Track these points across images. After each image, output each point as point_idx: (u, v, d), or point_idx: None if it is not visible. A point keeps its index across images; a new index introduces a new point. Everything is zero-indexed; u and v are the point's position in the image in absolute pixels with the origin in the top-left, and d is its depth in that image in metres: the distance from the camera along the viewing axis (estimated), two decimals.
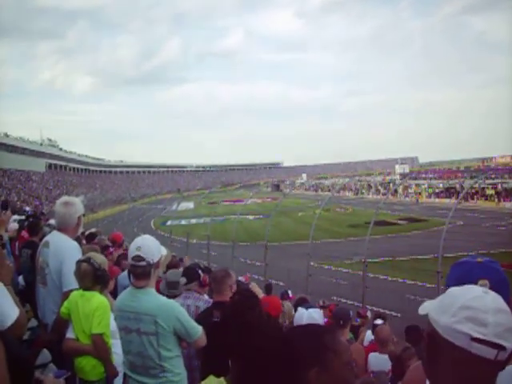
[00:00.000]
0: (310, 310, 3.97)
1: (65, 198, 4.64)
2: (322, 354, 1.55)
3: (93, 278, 3.89)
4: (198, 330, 3.63)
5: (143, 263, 3.57)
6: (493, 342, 1.33)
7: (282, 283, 15.92)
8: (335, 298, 15.00)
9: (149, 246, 3.66)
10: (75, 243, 4.41)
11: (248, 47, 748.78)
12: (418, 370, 1.93)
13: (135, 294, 3.66)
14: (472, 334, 1.34)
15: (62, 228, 4.46)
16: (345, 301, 14.63)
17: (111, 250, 7.63)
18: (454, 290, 1.51)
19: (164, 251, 3.85)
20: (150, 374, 3.54)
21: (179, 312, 3.61)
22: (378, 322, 7.39)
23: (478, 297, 1.42)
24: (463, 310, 1.39)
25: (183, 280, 4.75)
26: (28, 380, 1.94)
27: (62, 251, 4.28)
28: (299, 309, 4.02)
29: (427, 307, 1.54)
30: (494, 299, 1.42)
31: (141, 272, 3.60)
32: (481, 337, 1.33)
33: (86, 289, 3.91)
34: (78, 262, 3.94)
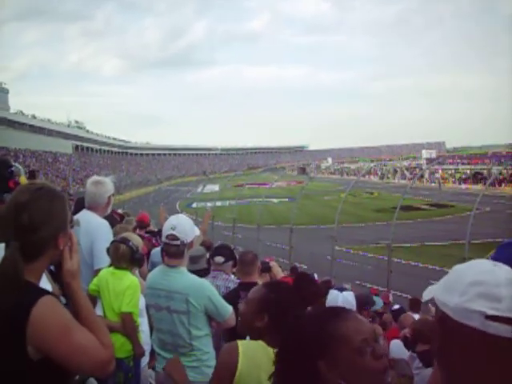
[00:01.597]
0: (345, 292, 3.97)
1: (95, 178, 4.68)
2: (326, 343, 1.43)
3: (130, 259, 3.95)
4: (229, 309, 3.66)
5: (177, 242, 3.62)
6: (509, 318, 1.23)
7: (306, 266, 15.94)
8: (359, 282, 14.98)
9: (183, 226, 3.70)
10: (105, 222, 4.46)
11: (274, 29, 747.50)
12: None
13: (167, 272, 3.69)
14: (486, 312, 1.25)
15: (92, 207, 4.50)
16: (369, 285, 14.61)
17: (154, 241, 7.65)
18: (459, 267, 1.40)
19: (197, 231, 3.88)
20: (179, 352, 3.57)
21: (211, 291, 3.64)
22: (396, 306, 7.35)
23: (488, 270, 1.32)
24: (473, 286, 1.29)
25: (220, 259, 4.76)
26: None
27: (93, 230, 4.32)
28: (332, 291, 4.01)
29: (432, 291, 1.43)
30: (506, 271, 1.32)
31: (174, 251, 3.64)
32: (496, 313, 1.24)
33: (117, 268, 3.96)
34: (116, 243, 3.99)
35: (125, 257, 3.94)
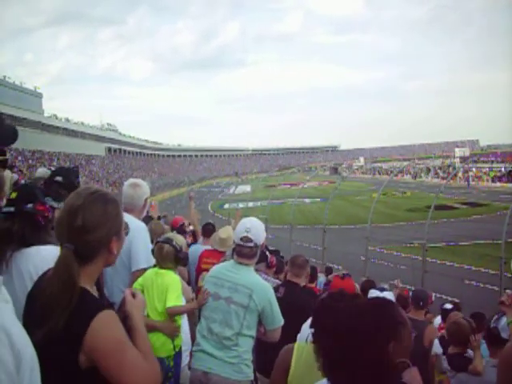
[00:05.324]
0: (385, 292, 3.99)
1: (133, 180, 4.72)
2: (396, 328, 1.67)
3: (174, 259, 4.02)
4: (281, 321, 3.75)
5: (251, 244, 3.74)
6: None
7: (340, 267, 15.88)
8: (393, 282, 14.85)
9: (257, 228, 3.84)
10: (143, 224, 4.50)
11: (306, 29, 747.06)
12: None
13: (236, 266, 3.81)
14: None
15: (128, 209, 4.55)
16: (403, 285, 14.48)
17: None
18: None
19: (265, 233, 3.95)
20: (223, 344, 3.65)
21: (272, 296, 3.75)
22: (448, 306, 7.28)
23: None
24: None
25: None
26: None
27: (131, 232, 4.38)
28: (372, 291, 4.04)
29: None
30: None
31: (247, 253, 3.77)
32: None
33: (161, 267, 4.04)
34: (160, 243, 4.07)
35: (169, 256, 4.02)
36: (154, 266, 4.13)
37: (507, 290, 5.26)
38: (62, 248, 1.93)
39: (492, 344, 4.47)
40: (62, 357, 1.80)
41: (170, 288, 3.93)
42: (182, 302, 4.02)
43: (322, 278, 11.43)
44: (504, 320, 4.17)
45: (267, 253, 5.26)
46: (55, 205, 3.10)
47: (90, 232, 1.94)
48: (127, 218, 4.49)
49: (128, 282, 4.27)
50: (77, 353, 1.80)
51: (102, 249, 2.00)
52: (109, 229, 2.00)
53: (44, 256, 2.63)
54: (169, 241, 4.08)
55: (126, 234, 2.22)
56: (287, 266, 5.26)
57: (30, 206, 2.79)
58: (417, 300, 6.05)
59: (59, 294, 1.83)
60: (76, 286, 1.87)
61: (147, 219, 5.75)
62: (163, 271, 4.03)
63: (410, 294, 6.33)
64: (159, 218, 8.30)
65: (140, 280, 4.05)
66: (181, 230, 8.50)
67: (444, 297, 12.30)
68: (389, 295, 3.90)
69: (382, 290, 4.10)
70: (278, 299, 3.90)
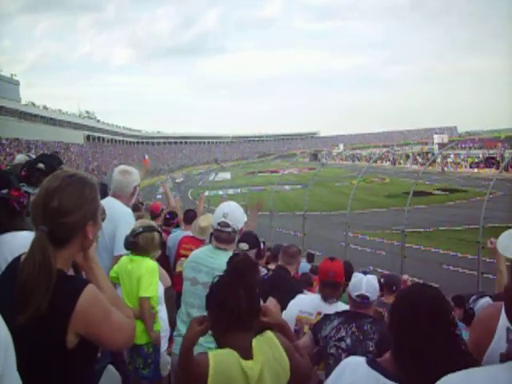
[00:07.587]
0: (369, 275, 4.01)
1: (123, 167, 4.75)
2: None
3: (159, 245, 4.01)
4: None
5: (228, 229, 3.69)
6: None
7: (319, 253, 15.93)
8: (373, 267, 14.95)
9: (235, 213, 3.77)
10: (129, 210, 4.52)
11: (287, 15, 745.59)
12: (490, 307, 2.25)
13: (214, 251, 3.75)
14: None
15: (117, 195, 4.55)
16: (382, 270, 14.58)
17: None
18: None
19: (245, 218, 3.92)
20: None
21: None
22: None
23: None
24: None
25: (245, 246, 4.79)
26: None
27: (117, 216, 4.35)
28: (356, 274, 4.05)
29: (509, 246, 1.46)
30: None
31: (225, 238, 3.72)
32: None
33: (137, 254, 4.00)
34: (150, 232, 4.03)
35: (159, 245, 4.02)
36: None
37: (491, 238, 5.24)
38: (36, 230, 1.91)
39: (468, 325, 4.51)
40: (48, 339, 1.82)
41: (143, 277, 3.90)
42: (156, 292, 4.00)
43: (303, 264, 11.49)
44: (481, 302, 4.20)
45: (260, 240, 5.25)
46: (30, 190, 3.07)
47: (66, 215, 1.92)
48: (115, 202, 4.50)
49: (109, 266, 4.25)
50: (64, 333, 1.82)
51: (77, 232, 1.98)
52: (85, 212, 1.99)
53: (20, 242, 2.60)
54: (155, 228, 4.06)
55: (103, 219, 2.21)
56: (279, 254, 5.34)
57: (4, 191, 2.75)
58: (389, 285, 6.14)
59: (36, 276, 1.82)
60: (52, 267, 1.85)
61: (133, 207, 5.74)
62: (138, 258, 4.00)
63: (382, 280, 6.39)
64: (142, 203, 8.32)
65: (115, 268, 4.03)
66: (161, 215, 8.52)
67: (423, 282, 12.39)
68: (373, 278, 3.92)
69: (366, 273, 4.12)
70: (265, 280, 3.91)
